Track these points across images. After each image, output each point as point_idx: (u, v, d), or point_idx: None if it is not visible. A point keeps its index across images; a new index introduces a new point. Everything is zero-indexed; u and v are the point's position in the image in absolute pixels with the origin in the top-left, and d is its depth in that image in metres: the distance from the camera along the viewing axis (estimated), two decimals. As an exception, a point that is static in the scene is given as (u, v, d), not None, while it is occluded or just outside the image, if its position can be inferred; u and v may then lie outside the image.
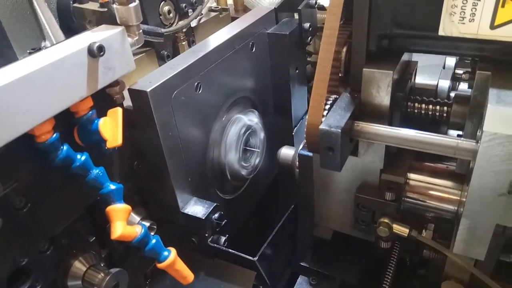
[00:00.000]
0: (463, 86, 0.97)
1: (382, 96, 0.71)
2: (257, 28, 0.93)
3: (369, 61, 0.70)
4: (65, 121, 0.59)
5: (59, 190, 0.63)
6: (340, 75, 0.76)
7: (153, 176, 0.77)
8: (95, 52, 0.57)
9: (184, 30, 0.99)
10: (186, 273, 0.72)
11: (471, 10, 0.59)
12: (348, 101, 0.71)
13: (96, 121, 0.61)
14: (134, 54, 0.67)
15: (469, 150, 0.61)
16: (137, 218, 0.78)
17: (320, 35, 1.06)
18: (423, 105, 0.78)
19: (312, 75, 0.93)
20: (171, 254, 0.69)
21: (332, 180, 0.83)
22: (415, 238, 0.77)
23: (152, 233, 0.72)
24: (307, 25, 0.97)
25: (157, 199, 0.81)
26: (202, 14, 1.08)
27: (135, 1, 0.64)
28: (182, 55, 0.82)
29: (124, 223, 0.62)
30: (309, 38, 1.00)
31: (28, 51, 0.83)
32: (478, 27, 0.59)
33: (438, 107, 0.77)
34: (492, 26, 0.59)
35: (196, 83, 0.77)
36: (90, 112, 0.61)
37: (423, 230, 0.84)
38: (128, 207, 0.63)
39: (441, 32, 0.62)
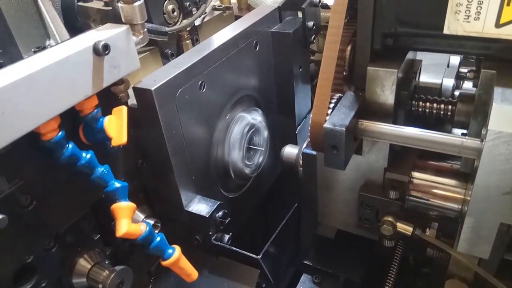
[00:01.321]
0: (468, 85, 0.97)
1: (387, 95, 0.71)
2: (260, 26, 0.93)
3: (373, 59, 0.70)
4: (71, 119, 0.59)
5: (64, 188, 0.63)
6: (344, 73, 0.77)
7: (157, 174, 0.78)
8: (101, 51, 0.57)
9: (188, 28, 0.99)
10: (190, 271, 0.72)
11: (477, 9, 0.59)
12: (352, 99, 0.71)
13: (101, 120, 0.61)
14: (139, 53, 0.67)
15: (474, 148, 0.61)
16: (141, 216, 0.78)
17: (323, 34, 1.07)
18: (428, 104, 0.78)
19: (316, 73, 0.93)
20: (176, 252, 0.69)
21: (336, 179, 0.83)
22: (418, 236, 0.77)
23: (157, 231, 0.72)
24: (310, 23, 0.97)
25: (161, 197, 0.81)
26: (206, 12, 1.08)
27: (139, 0, 0.64)
28: (186, 54, 0.82)
29: (129, 221, 0.62)
30: (312, 37, 1.00)
31: (32, 49, 0.83)
32: (483, 26, 0.59)
33: (442, 106, 0.77)
34: (498, 25, 0.58)
35: (200, 82, 0.77)
36: (95, 111, 0.61)
37: (427, 229, 0.84)
38: (133, 205, 0.63)
39: (446, 31, 0.62)
